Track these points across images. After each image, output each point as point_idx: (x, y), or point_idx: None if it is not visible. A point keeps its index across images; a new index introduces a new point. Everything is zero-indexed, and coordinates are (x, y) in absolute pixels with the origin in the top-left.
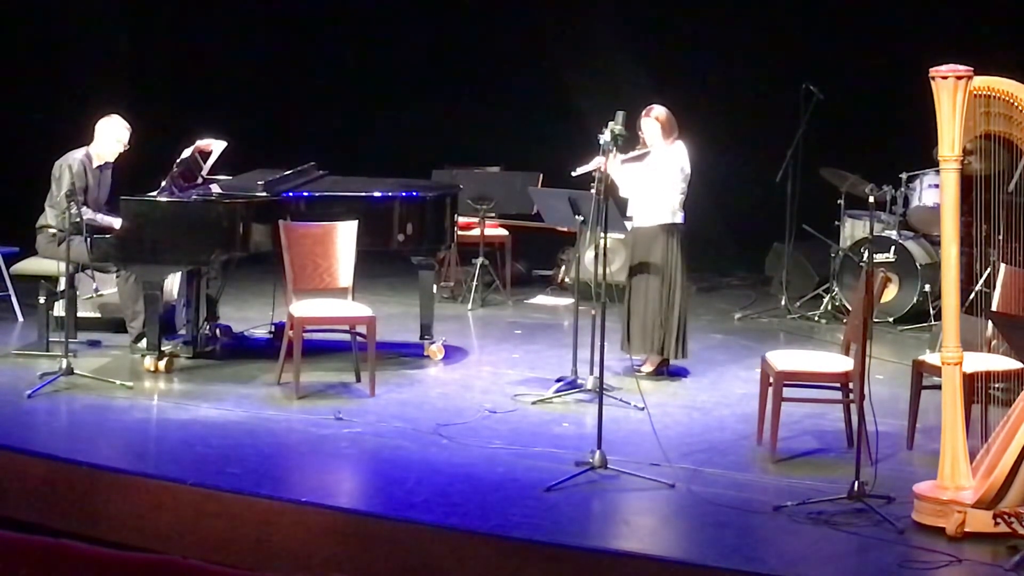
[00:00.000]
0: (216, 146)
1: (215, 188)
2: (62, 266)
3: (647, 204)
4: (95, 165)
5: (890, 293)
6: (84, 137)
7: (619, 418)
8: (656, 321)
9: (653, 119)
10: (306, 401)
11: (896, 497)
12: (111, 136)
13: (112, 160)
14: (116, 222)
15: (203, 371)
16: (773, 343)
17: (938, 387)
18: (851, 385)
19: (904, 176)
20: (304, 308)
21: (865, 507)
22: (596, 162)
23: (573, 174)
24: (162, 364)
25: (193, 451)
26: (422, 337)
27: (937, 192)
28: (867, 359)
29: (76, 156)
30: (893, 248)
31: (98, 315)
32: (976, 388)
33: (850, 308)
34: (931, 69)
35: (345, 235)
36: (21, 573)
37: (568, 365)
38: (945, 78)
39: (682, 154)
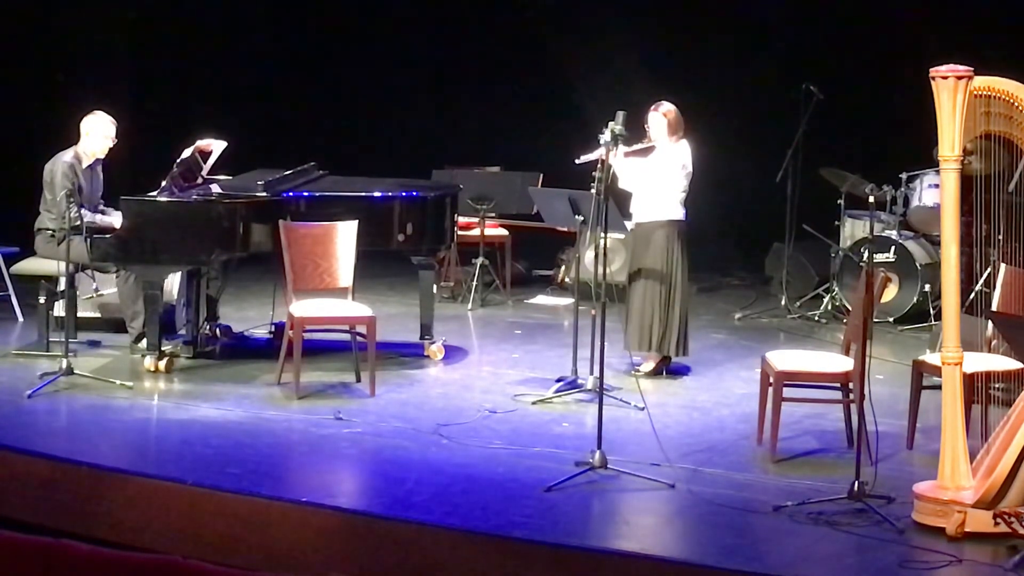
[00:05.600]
0: (216, 146)
1: (215, 188)
2: (62, 266)
3: (649, 201)
4: (85, 164)
5: (890, 293)
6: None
7: (619, 418)
8: (657, 318)
9: (661, 115)
10: (306, 401)
11: (896, 497)
12: (99, 133)
13: (102, 157)
14: (116, 222)
15: (203, 371)
16: (773, 343)
17: (938, 387)
18: (851, 385)
19: (904, 176)
20: (304, 308)
21: (865, 507)
22: (600, 152)
23: (576, 161)
24: (162, 364)
25: (193, 451)
26: (422, 337)
27: (937, 192)
28: (867, 359)
29: (64, 158)
30: (893, 248)
31: (98, 315)
32: (976, 388)
33: (850, 308)
34: (931, 69)
35: (345, 235)
36: (21, 573)
37: (568, 365)
38: (945, 78)
39: (685, 152)
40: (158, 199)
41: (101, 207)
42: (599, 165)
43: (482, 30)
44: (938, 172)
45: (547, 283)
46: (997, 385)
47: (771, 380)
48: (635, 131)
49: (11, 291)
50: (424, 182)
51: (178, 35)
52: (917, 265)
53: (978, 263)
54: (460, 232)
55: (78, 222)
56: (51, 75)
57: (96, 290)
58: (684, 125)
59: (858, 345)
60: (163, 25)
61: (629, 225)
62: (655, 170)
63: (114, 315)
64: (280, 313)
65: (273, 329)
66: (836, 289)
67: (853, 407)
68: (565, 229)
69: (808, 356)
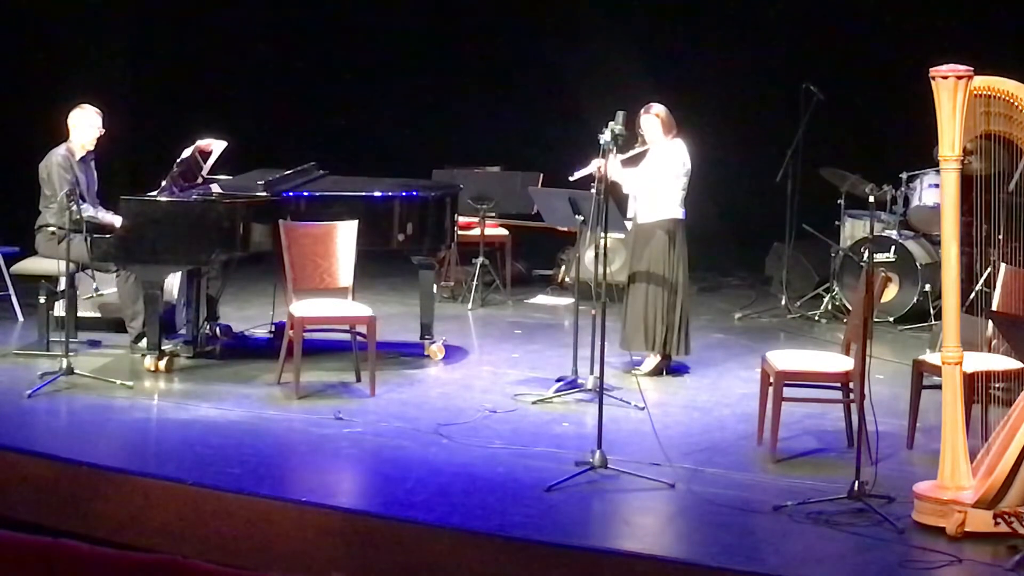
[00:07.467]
0: (216, 146)
1: (215, 188)
2: (62, 266)
3: (648, 201)
4: (77, 158)
5: (890, 293)
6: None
7: (619, 418)
8: (660, 318)
9: (653, 115)
10: (306, 401)
11: (896, 497)
12: (85, 124)
13: (92, 148)
14: (116, 220)
15: (203, 371)
16: (773, 343)
17: (938, 387)
18: (851, 385)
19: (904, 176)
20: (304, 308)
21: (865, 507)
22: (595, 164)
23: (571, 178)
24: (162, 364)
25: (193, 451)
26: (422, 337)
27: (937, 192)
28: (867, 359)
29: (58, 153)
30: (893, 248)
31: (98, 315)
32: (976, 388)
33: (850, 308)
34: (931, 69)
35: (345, 235)
36: (21, 573)
37: (568, 365)
38: (945, 78)
39: (682, 150)
40: (158, 199)
41: (100, 209)
42: (596, 174)
43: (482, 30)
44: (938, 172)
45: (547, 283)
46: (997, 385)
47: (771, 380)
48: (634, 131)
49: (11, 291)
50: (424, 182)
51: (178, 35)
52: (917, 265)
53: (978, 263)
54: (460, 232)
55: (78, 218)
56: (50, 75)
57: (96, 290)
58: (677, 124)
59: (858, 345)
60: (162, 25)
61: (629, 225)
62: (654, 170)
63: (114, 315)
64: (280, 313)
65: (273, 329)
66: (836, 289)
67: (853, 407)
68: (565, 229)
69: (808, 356)
